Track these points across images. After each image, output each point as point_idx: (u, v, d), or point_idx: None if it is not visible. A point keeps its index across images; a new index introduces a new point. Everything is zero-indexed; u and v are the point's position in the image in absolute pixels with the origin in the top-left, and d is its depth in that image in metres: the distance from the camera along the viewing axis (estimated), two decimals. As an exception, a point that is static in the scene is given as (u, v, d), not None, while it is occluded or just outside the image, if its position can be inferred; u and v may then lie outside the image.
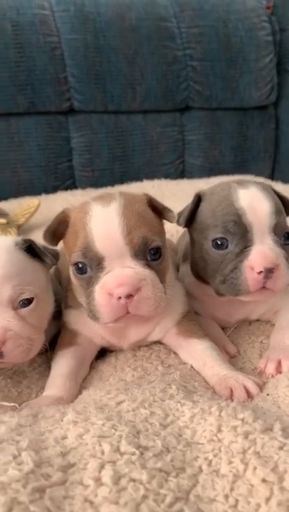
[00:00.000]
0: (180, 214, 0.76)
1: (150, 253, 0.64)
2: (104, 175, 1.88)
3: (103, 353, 0.78)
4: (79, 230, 0.65)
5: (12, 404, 0.61)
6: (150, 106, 1.88)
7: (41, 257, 0.69)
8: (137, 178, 1.87)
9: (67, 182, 1.85)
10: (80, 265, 0.64)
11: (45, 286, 0.69)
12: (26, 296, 0.65)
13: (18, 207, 1.41)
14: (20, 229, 1.23)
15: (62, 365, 0.70)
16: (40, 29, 1.69)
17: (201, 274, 0.76)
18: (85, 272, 0.64)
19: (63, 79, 1.74)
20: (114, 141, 1.87)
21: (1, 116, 1.73)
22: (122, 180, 1.87)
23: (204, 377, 0.67)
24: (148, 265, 0.64)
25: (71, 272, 0.67)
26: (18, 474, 0.41)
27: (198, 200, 0.75)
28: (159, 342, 0.76)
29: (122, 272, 0.61)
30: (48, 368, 0.75)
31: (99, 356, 0.77)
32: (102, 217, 0.64)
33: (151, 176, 1.89)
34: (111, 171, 1.89)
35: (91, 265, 0.64)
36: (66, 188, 1.82)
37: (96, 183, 1.84)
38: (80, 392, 0.67)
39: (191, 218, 0.75)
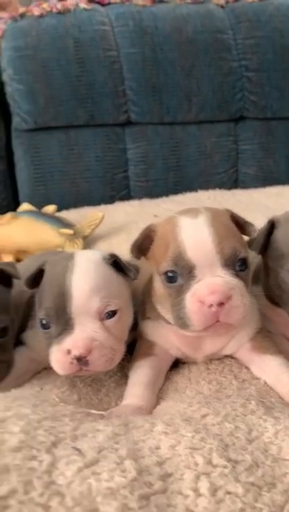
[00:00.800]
0: (252, 241, 0.77)
1: (238, 263, 0.66)
2: (159, 185, 1.92)
3: (175, 363, 0.81)
4: (169, 241, 0.68)
5: (100, 412, 0.64)
6: (205, 117, 1.90)
7: (125, 271, 0.73)
8: (191, 187, 1.89)
9: (123, 192, 1.89)
10: (171, 274, 0.67)
11: (127, 299, 0.73)
12: (112, 308, 0.69)
13: (81, 218, 1.47)
14: (86, 240, 1.28)
15: (141, 374, 0.73)
16: (101, 44, 1.75)
17: (276, 300, 0.77)
18: (175, 281, 0.67)
19: (121, 92, 1.79)
20: (169, 151, 1.91)
21: (61, 129, 1.80)
22: (175, 190, 1.89)
23: (278, 394, 0.69)
24: (236, 275, 0.66)
25: (158, 282, 0.70)
26: (124, 481, 0.44)
27: (271, 226, 0.76)
28: (230, 356, 0.78)
29: (213, 280, 0.64)
30: (123, 376, 0.78)
31: (172, 367, 0.80)
32: (192, 228, 0.67)
33: (204, 185, 1.90)
34: (165, 181, 1.93)
35: (182, 274, 0.66)
36: (121, 198, 1.87)
37: (150, 193, 1.87)
38: (158, 403, 0.70)
39: (264, 245, 0.77)
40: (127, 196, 1.89)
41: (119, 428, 0.54)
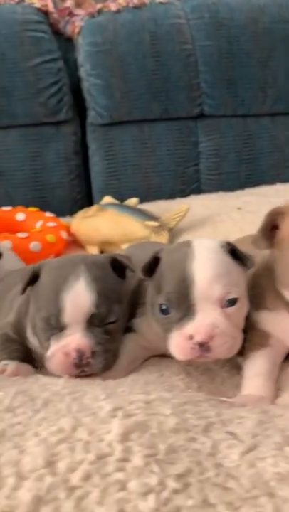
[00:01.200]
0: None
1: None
2: (230, 178, 1.90)
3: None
4: None
5: (231, 400, 0.64)
6: (280, 109, 1.87)
7: (242, 260, 0.72)
8: (262, 180, 1.86)
9: (193, 185, 1.89)
10: None
11: (245, 288, 0.72)
12: (232, 296, 0.68)
13: (158, 210, 1.47)
14: (171, 232, 1.28)
15: (258, 365, 0.72)
16: (176, 38, 1.75)
17: None
18: None
19: (196, 85, 1.78)
20: (242, 144, 1.88)
21: (135, 123, 1.81)
22: (247, 183, 1.87)
23: None
24: None
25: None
26: (290, 467, 0.43)
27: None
28: None
29: None
30: (233, 367, 0.78)
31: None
32: None
33: (276, 178, 1.87)
34: (237, 174, 1.90)
35: None
36: (192, 192, 1.86)
37: (222, 187, 1.85)
38: (277, 394, 0.69)
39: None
40: (197, 190, 1.88)
41: (262, 415, 0.54)
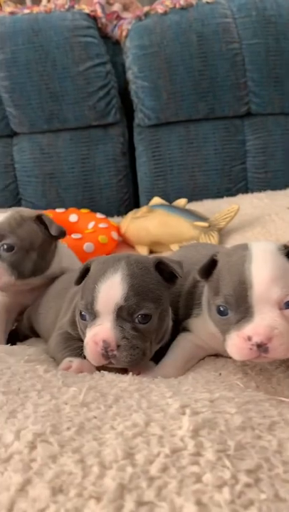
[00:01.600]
0: None
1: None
2: (277, 176, 1.88)
3: None
4: None
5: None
6: None
7: None
8: (310, 179, 1.85)
9: (240, 184, 1.89)
10: None
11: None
12: (290, 298, 0.70)
13: (205, 210, 1.49)
14: (220, 233, 1.30)
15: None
16: (223, 37, 1.75)
17: None
18: None
19: (243, 84, 1.78)
20: (289, 142, 1.87)
21: (181, 123, 1.83)
22: (295, 181, 1.86)
23: None
24: None
25: None
26: None
27: None
28: None
29: None
30: (288, 368, 0.79)
31: None
32: None
33: None
34: (284, 173, 1.89)
35: None
36: (238, 190, 1.86)
37: (268, 185, 1.85)
38: None
39: None
40: (244, 188, 1.88)
41: None
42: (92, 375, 0.68)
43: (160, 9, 1.77)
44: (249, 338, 0.69)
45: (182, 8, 1.77)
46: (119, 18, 1.86)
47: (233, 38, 1.76)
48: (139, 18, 1.78)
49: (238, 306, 0.70)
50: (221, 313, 0.72)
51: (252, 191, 1.84)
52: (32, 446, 0.45)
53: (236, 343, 0.70)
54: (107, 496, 0.39)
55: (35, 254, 0.97)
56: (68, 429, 0.48)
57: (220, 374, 0.73)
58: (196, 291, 0.87)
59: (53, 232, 0.97)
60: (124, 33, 1.80)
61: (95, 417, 0.51)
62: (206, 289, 0.80)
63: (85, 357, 0.80)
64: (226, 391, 0.60)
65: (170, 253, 1.25)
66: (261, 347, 0.68)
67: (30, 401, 0.54)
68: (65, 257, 1.08)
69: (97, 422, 0.50)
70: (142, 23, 1.78)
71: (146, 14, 1.78)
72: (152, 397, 0.56)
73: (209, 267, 0.77)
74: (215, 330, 0.77)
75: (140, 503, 0.38)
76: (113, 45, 1.86)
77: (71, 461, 0.43)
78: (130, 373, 0.67)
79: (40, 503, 0.38)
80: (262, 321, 0.69)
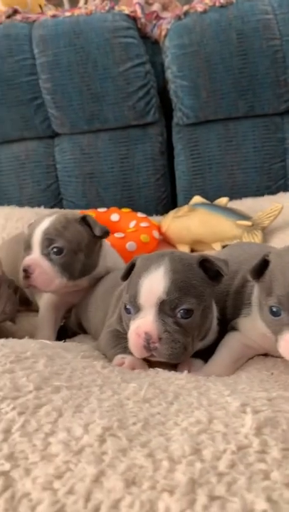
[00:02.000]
0: None
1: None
2: None
3: None
4: None
5: None
6: None
7: None
8: None
9: (279, 182, 1.87)
10: None
11: None
12: None
13: (246, 208, 1.49)
14: (264, 232, 1.29)
15: None
16: (263, 34, 1.73)
17: None
18: None
19: (283, 81, 1.76)
20: None
21: (220, 122, 1.83)
22: None
23: None
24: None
25: None
26: None
27: None
28: None
29: None
30: None
31: None
32: None
33: None
34: None
35: None
36: (277, 188, 1.85)
37: (309, 183, 1.83)
38: None
39: None
40: (284, 186, 1.86)
41: None
42: (146, 371, 0.70)
43: (199, 8, 1.76)
44: None
45: (222, 6, 1.76)
46: (158, 17, 1.87)
47: (274, 34, 1.74)
48: (178, 18, 1.78)
49: None
50: (274, 313, 0.73)
51: (292, 189, 1.83)
52: (102, 440, 0.47)
53: None
54: (179, 490, 0.40)
55: (83, 255, 1.00)
56: (134, 424, 0.50)
57: (272, 373, 0.73)
58: (245, 290, 0.87)
59: (97, 232, 1.00)
60: (163, 33, 1.81)
61: (159, 413, 0.52)
62: (256, 289, 0.80)
63: None
64: (282, 390, 0.61)
65: (213, 252, 1.25)
66: None
67: (93, 396, 0.56)
68: (110, 256, 1.10)
69: (161, 417, 0.51)
70: (181, 22, 1.78)
71: (186, 13, 1.78)
72: (211, 395, 0.58)
73: (261, 268, 0.77)
74: (266, 330, 0.78)
75: (212, 498, 0.40)
76: (152, 45, 1.87)
77: (141, 455, 0.44)
78: (186, 371, 0.68)
79: (116, 493, 0.40)
80: None
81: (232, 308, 0.90)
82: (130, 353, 0.80)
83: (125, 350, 0.81)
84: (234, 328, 0.87)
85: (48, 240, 0.96)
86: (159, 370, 0.70)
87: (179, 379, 0.64)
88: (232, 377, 0.72)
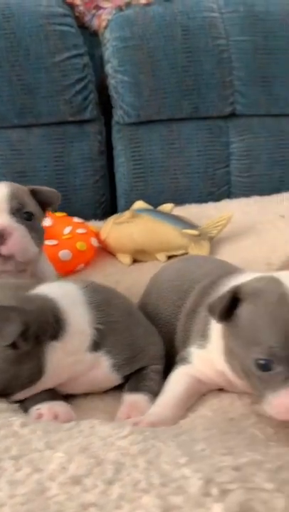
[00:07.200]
0: None
1: None
2: (262, 180, 1.80)
3: None
4: None
5: None
6: None
7: None
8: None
9: (223, 188, 1.80)
10: None
11: None
12: None
13: (189, 216, 1.38)
14: (211, 241, 1.19)
15: None
16: (209, 32, 1.65)
17: None
18: None
19: (229, 82, 1.69)
20: (275, 145, 1.79)
21: (163, 122, 1.72)
22: (279, 186, 1.78)
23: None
24: None
25: None
26: None
27: None
28: None
29: None
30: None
31: None
32: None
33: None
34: (269, 177, 1.81)
35: None
36: (221, 194, 1.78)
37: (253, 190, 1.76)
38: None
39: None
40: (226, 192, 1.79)
41: None
42: (79, 426, 0.55)
43: (143, 0, 1.65)
44: None
45: (166, 0, 1.66)
46: (98, 7, 1.73)
47: (220, 33, 1.66)
48: (120, 8, 1.66)
49: None
50: (263, 367, 0.60)
51: (235, 196, 1.76)
52: None
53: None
54: None
55: (41, 226, 0.94)
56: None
57: (231, 419, 0.61)
58: (197, 316, 0.75)
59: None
60: (103, 24, 1.67)
61: (94, 505, 0.38)
62: (222, 332, 0.67)
63: None
64: (249, 449, 0.49)
65: (157, 263, 1.13)
66: None
67: (4, 476, 0.41)
68: (44, 258, 0.98)
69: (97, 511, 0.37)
70: (122, 13, 1.65)
71: (128, 4, 1.66)
72: (162, 465, 0.44)
73: (230, 307, 0.64)
74: (224, 368, 0.66)
75: None
76: (90, 37, 1.73)
77: None
78: (128, 426, 0.54)
79: None
80: None
81: (182, 335, 0.78)
82: (50, 396, 0.64)
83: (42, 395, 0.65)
84: (184, 360, 0.74)
85: (18, 204, 0.87)
86: (95, 422, 0.55)
87: (121, 438, 0.50)
88: (185, 427, 0.59)
